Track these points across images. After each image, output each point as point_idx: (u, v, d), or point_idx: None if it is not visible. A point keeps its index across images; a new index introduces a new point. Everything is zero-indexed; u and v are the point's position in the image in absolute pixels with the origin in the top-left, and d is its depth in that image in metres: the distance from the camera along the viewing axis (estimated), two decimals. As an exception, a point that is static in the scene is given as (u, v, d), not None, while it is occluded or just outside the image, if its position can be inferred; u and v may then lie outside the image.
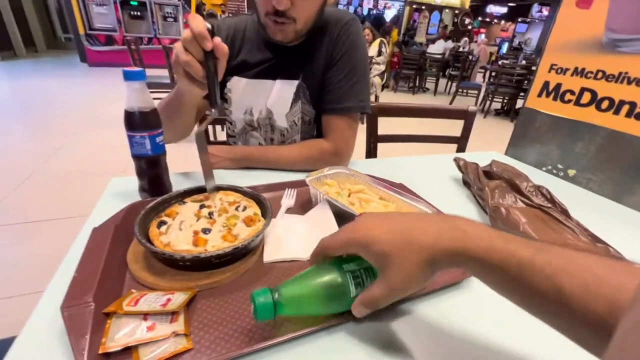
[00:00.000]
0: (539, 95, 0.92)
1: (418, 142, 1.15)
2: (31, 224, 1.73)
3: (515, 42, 14.72)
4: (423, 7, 11.64)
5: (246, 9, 9.80)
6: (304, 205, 0.59)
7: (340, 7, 10.81)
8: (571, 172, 0.86)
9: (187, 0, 6.55)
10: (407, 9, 11.44)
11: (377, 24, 5.94)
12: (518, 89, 4.75)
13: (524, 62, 6.12)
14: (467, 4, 12.24)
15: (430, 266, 0.30)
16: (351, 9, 11.09)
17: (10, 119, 3.32)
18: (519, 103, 4.94)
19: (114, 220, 0.46)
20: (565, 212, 0.59)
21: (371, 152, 1.10)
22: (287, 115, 0.77)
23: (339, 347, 0.35)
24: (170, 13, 6.54)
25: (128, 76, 0.48)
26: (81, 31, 6.16)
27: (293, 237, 0.49)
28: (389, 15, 10.94)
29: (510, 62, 5.59)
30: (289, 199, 0.59)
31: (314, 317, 0.36)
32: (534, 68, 4.70)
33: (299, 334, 0.34)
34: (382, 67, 4.41)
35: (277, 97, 0.76)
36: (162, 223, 0.44)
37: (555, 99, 0.87)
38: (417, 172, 0.83)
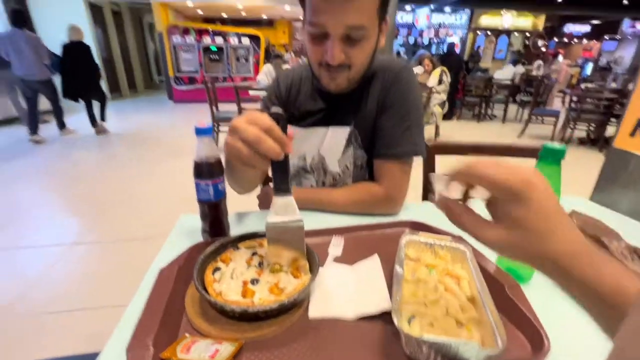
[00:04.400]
0: (633, 133, 0.79)
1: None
2: (115, 242, 2.00)
3: (602, 62, 13.14)
4: (489, 33, 11.19)
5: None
6: (352, 254, 0.58)
7: (400, 38, 10.95)
8: (683, 227, 0.71)
9: (257, 42, 7.31)
10: (471, 35, 11.11)
11: (449, 54, 5.72)
12: (607, 114, 4.17)
13: (613, 84, 5.39)
14: (541, 26, 11.44)
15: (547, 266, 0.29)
16: (411, 39, 11.16)
17: (113, 149, 3.98)
18: (610, 130, 4.31)
19: (178, 262, 0.51)
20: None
21: (428, 193, 1.05)
22: (340, 160, 0.79)
23: None
24: (243, 55, 7.35)
25: (199, 132, 0.54)
26: (171, 74, 7.24)
27: (340, 292, 0.48)
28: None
29: (596, 85, 4.97)
30: (336, 247, 0.59)
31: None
32: (630, 87, 4.09)
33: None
34: (443, 96, 4.27)
35: (330, 143, 0.78)
36: (217, 269, 0.47)
37: (654, 139, 0.75)
38: (479, 220, 0.76)
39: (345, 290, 0.48)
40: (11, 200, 2.53)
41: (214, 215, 0.60)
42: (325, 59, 0.64)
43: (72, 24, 4.23)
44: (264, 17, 10.16)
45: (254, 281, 0.45)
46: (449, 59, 5.47)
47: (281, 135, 0.42)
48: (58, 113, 4.20)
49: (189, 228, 0.67)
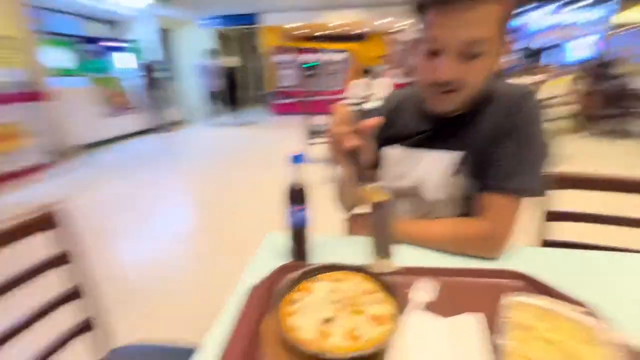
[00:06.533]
0: None
1: (616, 226, 0.83)
2: (210, 249, 2.18)
3: None
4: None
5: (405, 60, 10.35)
6: (446, 304, 0.49)
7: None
8: None
9: (348, 57, 7.59)
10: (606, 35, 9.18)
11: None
12: None
13: None
14: None
15: None
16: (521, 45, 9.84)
17: (217, 156, 4.59)
18: None
19: (270, 280, 0.55)
20: None
21: (544, 234, 0.87)
22: (438, 188, 0.70)
23: None
24: (334, 70, 7.86)
25: (293, 160, 0.57)
26: (271, 89, 8.13)
27: (425, 354, 0.41)
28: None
29: None
30: (427, 292, 0.52)
31: None
32: None
33: None
34: (569, 109, 3.62)
35: (430, 168, 0.70)
36: (294, 301, 0.46)
37: None
38: (613, 282, 0.58)
39: (434, 351, 0.41)
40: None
41: (298, 240, 0.62)
42: (434, 77, 0.61)
43: (232, 56, 7.56)
44: (357, 31, 10.41)
45: (330, 320, 0.43)
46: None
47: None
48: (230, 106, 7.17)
49: (275, 246, 0.69)
